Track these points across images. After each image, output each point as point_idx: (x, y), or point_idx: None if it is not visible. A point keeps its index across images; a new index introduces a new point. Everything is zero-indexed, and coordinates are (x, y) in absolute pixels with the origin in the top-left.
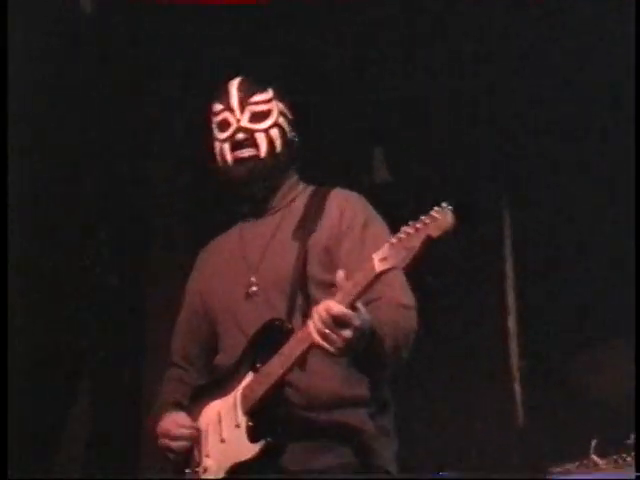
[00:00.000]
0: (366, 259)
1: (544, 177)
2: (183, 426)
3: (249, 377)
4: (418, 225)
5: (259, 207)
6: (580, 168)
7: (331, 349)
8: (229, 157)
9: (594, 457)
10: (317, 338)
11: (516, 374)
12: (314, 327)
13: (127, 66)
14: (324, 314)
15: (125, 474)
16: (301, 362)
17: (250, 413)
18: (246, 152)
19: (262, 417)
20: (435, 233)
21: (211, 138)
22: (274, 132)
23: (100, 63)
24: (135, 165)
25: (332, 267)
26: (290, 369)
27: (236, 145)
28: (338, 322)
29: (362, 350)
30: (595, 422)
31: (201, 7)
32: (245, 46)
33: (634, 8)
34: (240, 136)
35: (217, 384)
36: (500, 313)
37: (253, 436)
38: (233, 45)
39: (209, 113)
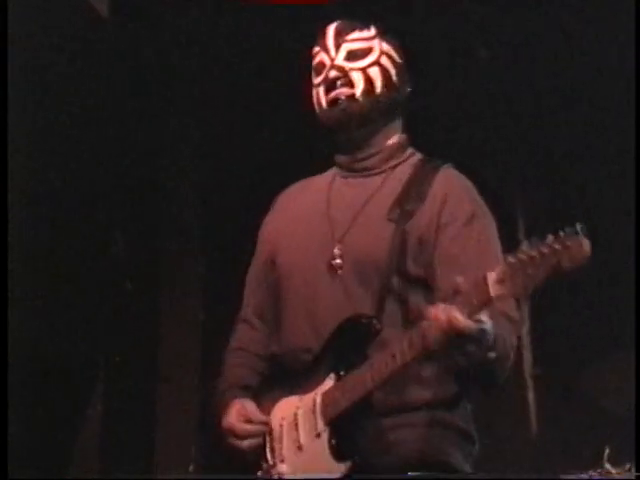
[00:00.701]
0: (468, 268)
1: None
2: (250, 421)
3: (329, 381)
4: (544, 249)
5: (356, 160)
6: (582, 176)
7: (451, 364)
8: (324, 100)
9: (607, 466)
10: (432, 344)
11: (529, 382)
12: (432, 336)
13: (140, 66)
14: (446, 321)
15: (140, 473)
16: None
17: (332, 425)
18: (340, 91)
19: (346, 433)
20: (567, 264)
21: (311, 85)
22: (373, 71)
23: (111, 64)
24: (149, 166)
25: (424, 263)
26: (382, 384)
27: (330, 86)
28: (459, 335)
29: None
30: (608, 431)
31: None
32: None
33: (634, 8)
34: (333, 74)
35: (291, 375)
36: None
37: (338, 454)
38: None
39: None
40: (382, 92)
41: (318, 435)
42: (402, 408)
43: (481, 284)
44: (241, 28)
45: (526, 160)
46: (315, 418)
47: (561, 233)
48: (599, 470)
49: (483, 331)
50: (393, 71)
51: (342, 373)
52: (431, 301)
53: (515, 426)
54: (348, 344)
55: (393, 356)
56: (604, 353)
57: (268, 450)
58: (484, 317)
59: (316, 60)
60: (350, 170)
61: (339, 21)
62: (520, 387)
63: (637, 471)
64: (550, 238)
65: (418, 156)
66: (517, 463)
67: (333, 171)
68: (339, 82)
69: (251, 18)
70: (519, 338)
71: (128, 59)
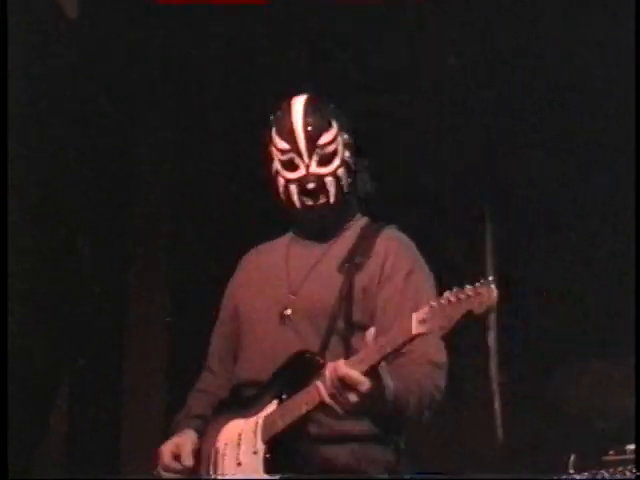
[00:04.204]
0: (403, 314)
1: (530, 186)
2: (178, 458)
3: (272, 406)
4: (461, 295)
5: (311, 234)
6: (573, 178)
7: (338, 409)
8: (297, 201)
9: (572, 472)
10: (325, 396)
11: (495, 390)
12: (323, 386)
13: (115, 69)
14: (333, 374)
15: (105, 474)
16: (321, 409)
17: (269, 443)
18: (317, 200)
19: (280, 450)
20: (478, 310)
21: (270, 164)
22: (341, 172)
23: (85, 65)
24: (121, 169)
25: (367, 310)
26: (310, 412)
27: (306, 193)
28: (345, 384)
29: (380, 411)
30: (574, 438)
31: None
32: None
33: (634, 8)
34: (311, 185)
35: (241, 402)
36: (480, 329)
37: (269, 468)
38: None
39: (269, 141)
40: (348, 189)
41: (255, 452)
42: (334, 439)
43: (406, 323)
44: (213, 31)
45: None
46: (255, 438)
47: (477, 283)
48: (564, 477)
49: (367, 383)
50: (351, 160)
51: (284, 398)
52: None
53: (481, 433)
54: (293, 375)
55: (316, 390)
56: (570, 360)
57: (212, 466)
58: (382, 370)
59: (286, 157)
60: (306, 236)
61: (303, 111)
62: (486, 395)
63: (637, 471)
64: (467, 287)
65: (364, 219)
66: (483, 469)
67: (290, 235)
68: (314, 191)
69: (224, 19)
70: (485, 346)
71: (97, 60)
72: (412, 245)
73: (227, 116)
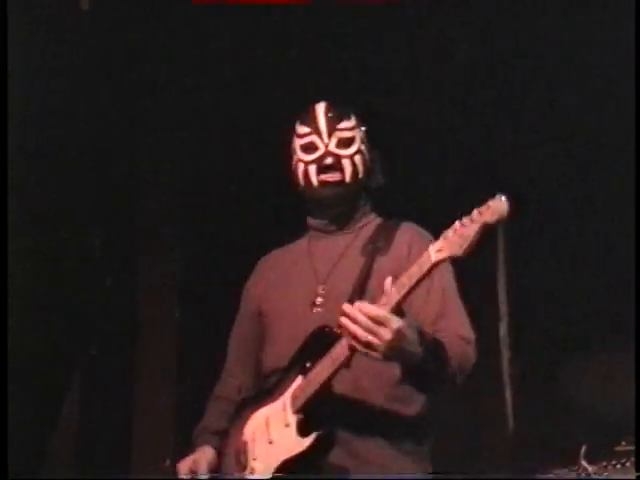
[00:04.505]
0: (433, 300)
1: (539, 179)
2: (194, 474)
3: (299, 380)
4: (474, 216)
5: (331, 226)
6: (577, 170)
7: (372, 353)
8: (315, 179)
9: (584, 463)
10: (357, 345)
11: (507, 380)
12: (349, 333)
13: (124, 66)
14: (358, 315)
15: (116, 473)
16: (346, 365)
17: (299, 411)
18: (333, 176)
19: (312, 413)
20: (491, 219)
21: (291, 157)
22: (357, 158)
23: (97, 59)
24: (129, 166)
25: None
26: (336, 371)
27: (323, 169)
28: (377, 322)
29: (422, 362)
30: (585, 428)
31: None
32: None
33: (634, 8)
34: (328, 160)
35: (264, 393)
36: (491, 319)
37: (303, 431)
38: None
39: (292, 134)
40: (362, 176)
41: (287, 425)
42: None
43: (424, 255)
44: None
45: None
46: (285, 413)
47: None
48: (574, 468)
49: (397, 319)
50: (368, 156)
51: (308, 366)
52: None
53: (493, 424)
54: (315, 350)
55: (342, 347)
56: (582, 351)
57: (242, 456)
58: (406, 311)
59: (306, 140)
60: (325, 232)
61: (325, 104)
62: (498, 385)
63: (637, 471)
64: (478, 208)
65: (379, 219)
66: (494, 461)
67: (308, 235)
68: (331, 167)
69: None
70: (497, 337)
71: (106, 53)
72: (431, 237)
73: (240, 116)
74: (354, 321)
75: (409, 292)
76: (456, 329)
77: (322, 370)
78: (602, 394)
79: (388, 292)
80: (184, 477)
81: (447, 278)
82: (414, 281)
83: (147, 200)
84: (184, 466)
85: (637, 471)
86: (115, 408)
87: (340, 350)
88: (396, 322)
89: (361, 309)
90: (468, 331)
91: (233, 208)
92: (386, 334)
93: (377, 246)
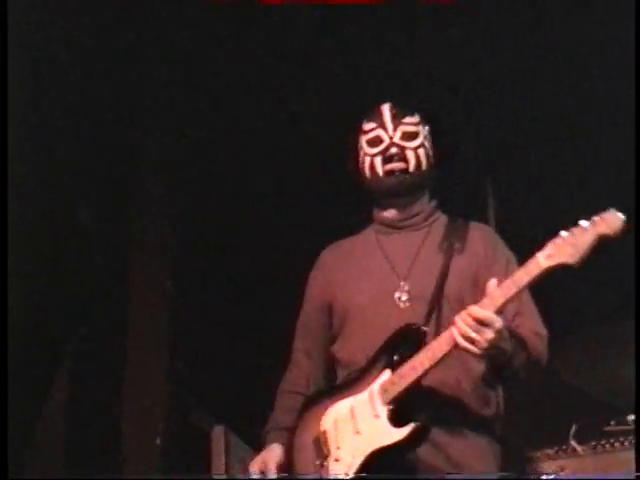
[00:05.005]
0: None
1: (532, 168)
2: (263, 473)
3: (386, 374)
4: (587, 225)
5: (401, 221)
6: (570, 159)
7: (475, 350)
8: (380, 169)
9: (573, 443)
10: (461, 341)
11: None
12: (458, 331)
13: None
14: (468, 318)
15: (106, 451)
16: (446, 359)
17: (391, 403)
18: (398, 165)
19: (406, 405)
20: (606, 231)
21: (358, 154)
22: (421, 151)
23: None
24: (118, 136)
25: (475, 290)
26: (434, 365)
27: (388, 158)
28: (481, 324)
29: (510, 357)
30: (575, 408)
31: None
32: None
33: (634, 9)
34: (393, 150)
35: (344, 385)
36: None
37: (397, 422)
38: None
39: (357, 132)
40: (426, 169)
41: (377, 416)
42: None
43: (532, 262)
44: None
45: None
46: (373, 405)
47: (600, 214)
48: (564, 447)
49: (500, 319)
50: (431, 152)
51: (396, 364)
52: None
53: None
54: (401, 346)
55: (445, 341)
56: (571, 330)
57: (323, 445)
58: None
59: (372, 134)
60: (393, 227)
61: (390, 104)
62: None
63: (637, 471)
64: (593, 218)
65: (445, 216)
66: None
67: (372, 229)
68: (396, 157)
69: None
70: None
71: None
72: (499, 237)
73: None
74: (463, 320)
75: (514, 296)
76: (532, 326)
77: (418, 364)
78: (592, 374)
79: (492, 294)
80: (255, 477)
81: None
82: (521, 286)
83: (138, 178)
84: (255, 466)
85: (637, 471)
86: (106, 388)
87: (439, 346)
88: (499, 323)
89: (469, 311)
90: (542, 328)
91: (225, 184)
92: (489, 334)
93: (452, 245)
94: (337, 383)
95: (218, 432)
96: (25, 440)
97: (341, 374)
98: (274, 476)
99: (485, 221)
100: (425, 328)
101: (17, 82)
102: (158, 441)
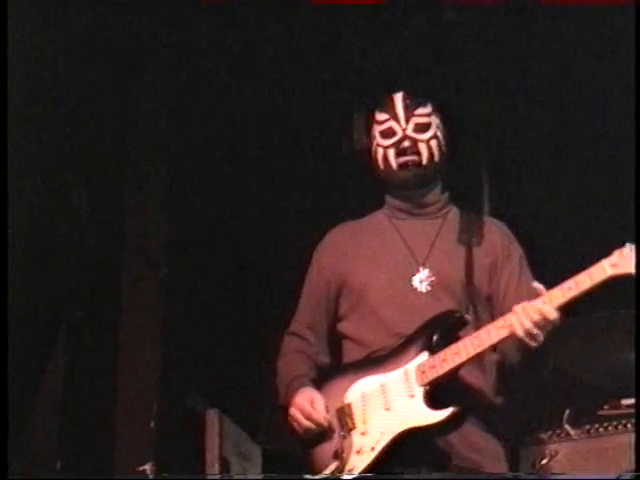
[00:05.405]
0: (522, 288)
1: (529, 164)
2: (310, 418)
3: (423, 355)
4: None
5: (416, 207)
6: (567, 155)
7: (532, 344)
8: (394, 162)
9: (567, 427)
10: (520, 332)
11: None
12: (519, 322)
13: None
14: (535, 314)
15: (100, 434)
16: (494, 348)
17: (429, 385)
18: (411, 159)
19: (442, 389)
20: None
21: (371, 143)
22: (433, 143)
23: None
24: (116, 123)
25: (493, 282)
26: (484, 351)
27: (402, 152)
28: (545, 321)
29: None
30: (568, 393)
31: None
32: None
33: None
34: (406, 144)
35: (366, 363)
36: None
37: (433, 404)
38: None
39: (370, 120)
40: (439, 160)
41: (412, 396)
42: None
43: (596, 267)
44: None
45: None
46: (408, 384)
47: None
48: (558, 431)
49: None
50: (443, 142)
51: (436, 349)
52: (493, 314)
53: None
54: (440, 331)
55: (497, 330)
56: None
57: (347, 418)
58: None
59: (385, 126)
60: (409, 214)
61: (403, 93)
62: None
63: (637, 471)
64: None
65: (456, 208)
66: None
67: (383, 213)
68: (409, 150)
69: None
70: None
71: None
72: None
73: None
74: (527, 314)
75: (573, 298)
76: None
77: (463, 349)
78: (586, 359)
79: (552, 294)
80: (300, 418)
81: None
82: (583, 289)
83: (135, 163)
84: (297, 413)
85: (637, 471)
86: (100, 372)
87: (488, 335)
88: (559, 319)
89: (538, 307)
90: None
91: (223, 171)
92: (547, 329)
93: (471, 237)
94: (356, 360)
95: (212, 415)
96: (18, 425)
97: (354, 351)
98: (323, 413)
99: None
100: (468, 316)
101: (15, 70)
102: (152, 424)
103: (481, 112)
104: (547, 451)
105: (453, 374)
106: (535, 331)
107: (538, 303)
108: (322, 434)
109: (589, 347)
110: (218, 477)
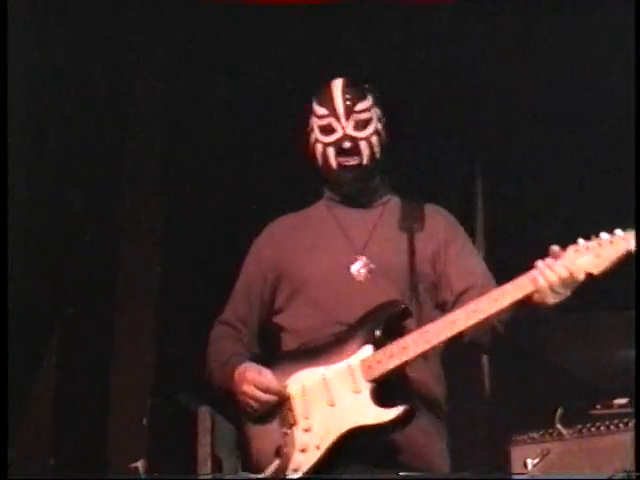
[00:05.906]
0: (466, 272)
1: (523, 164)
2: (267, 390)
3: (367, 349)
4: (614, 238)
5: (353, 197)
6: (560, 157)
7: (552, 302)
8: (334, 162)
9: (559, 426)
10: (544, 285)
11: None
12: (545, 279)
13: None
14: (564, 270)
15: (93, 431)
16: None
17: (376, 382)
18: (351, 160)
19: (393, 386)
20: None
21: (308, 137)
22: (374, 139)
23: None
24: (110, 118)
25: (437, 269)
26: (431, 350)
27: (342, 152)
28: (571, 276)
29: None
30: (561, 392)
31: None
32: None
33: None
34: (347, 144)
35: (305, 353)
36: None
37: (384, 401)
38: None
39: (309, 112)
40: (380, 156)
41: (358, 392)
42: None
43: (618, 239)
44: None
45: None
46: (353, 379)
47: (617, 232)
48: (550, 431)
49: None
50: (384, 134)
51: (380, 343)
52: (437, 301)
53: (469, 386)
54: (384, 323)
55: (452, 322)
56: (559, 314)
57: (288, 412)
58: None
59: (324, 122)
60: (348, 205)
61: (342, 81)
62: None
63: (637, 471)
64: (616, 232)
65: (397, 197)
66: (470, 422)
67: (323, 203)
68: (349, 151)
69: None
70: None
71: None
72: (455, 219)
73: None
74: (557, 271)
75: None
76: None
77: (412, 345)
78: (579, 358)
79: (564, 255)
80: (253, 391)
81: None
82: (611, 260)
83: (130, 160)
84: (245, 384)
85: (637, 471)
86: (93, 369)
87: (436, 331)
88: (582, 277)
89: (569, 263)
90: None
91: (215, 160)
92: (572, 287)
93: (412, 224)
94: (291, 350)
95: (204, 412)
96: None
97: (290, 343)
98: (277, 389)
99: (473, 219)
100: (410, 308)
101: (14, 68)
102: (145, 421)
103: (473, 110)
104: (539, 450)
105: (401, 369)
106: (562, 292)
107: (576, 261)
108: (276, 408)
109: (582, 346)
110: (210, 477)
